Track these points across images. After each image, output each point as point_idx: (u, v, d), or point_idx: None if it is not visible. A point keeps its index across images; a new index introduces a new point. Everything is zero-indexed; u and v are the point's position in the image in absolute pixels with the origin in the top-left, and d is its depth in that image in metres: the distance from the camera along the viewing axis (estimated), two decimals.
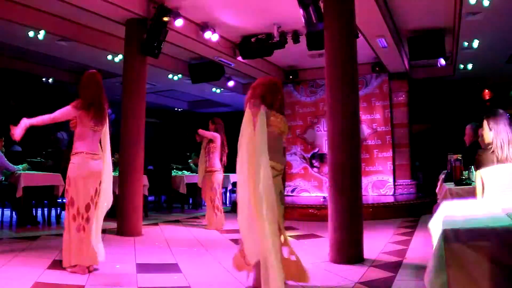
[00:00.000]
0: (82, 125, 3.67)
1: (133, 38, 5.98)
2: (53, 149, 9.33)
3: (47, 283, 3.17)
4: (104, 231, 3.92)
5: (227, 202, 9.34)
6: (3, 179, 5.74)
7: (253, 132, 2.88)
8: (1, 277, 3.29)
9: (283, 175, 3.17)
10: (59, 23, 6.55)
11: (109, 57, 8.23)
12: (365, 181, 9.13)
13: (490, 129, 3.03)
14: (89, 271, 3.52)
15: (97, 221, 3.73)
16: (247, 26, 7.29)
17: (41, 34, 6.64)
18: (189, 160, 10.10)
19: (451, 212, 1.72)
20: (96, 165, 3.69)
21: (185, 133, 10.55)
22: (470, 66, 9.20)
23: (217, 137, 6.31)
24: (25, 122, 3.47)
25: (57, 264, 3.76)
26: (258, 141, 2.84)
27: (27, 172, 5.84)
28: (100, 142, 3.82)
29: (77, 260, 3.50)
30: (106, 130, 3.85)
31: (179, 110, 14.88)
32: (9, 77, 10.10)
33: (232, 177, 9.13)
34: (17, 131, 3.43)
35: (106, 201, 3.81)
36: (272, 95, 3.17)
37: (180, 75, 9.73)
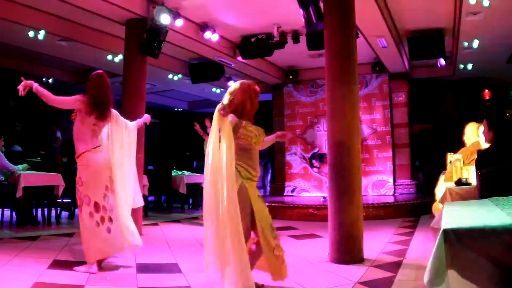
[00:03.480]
0: (82, 122, 3.69)
1: (133, 38, 5.98)
2: (49, 150, 9.33)
3: (47, 283, 3.17)
4: None
5: None
6: (3, 179, 5.74)
7: (217, 138, 2.85)
8: (1, 277, 3.29)
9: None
10: (59, 23, 6.54)
11: (109, 57, 8.23)
12: (365, 181, 9.13)
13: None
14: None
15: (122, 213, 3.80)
16: (247, 26, 7.28)
17: (41, 34, 6.63)
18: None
19: (451, 212, 1.72)
20: (101, 157, 3.74)
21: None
22: (470, 66, 9.20)
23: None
24: (35, 84, 3.47)
25: (57, 264, 3.77)
26: (224, 150, 2.80)
27: (27, 172, 5.83)
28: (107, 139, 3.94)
29: (103, 252, 3.60)
30: (120, 132, 3.99)
31: (179, 110, 14.88)
32: (9, 77, 10.10)
33: None
34: (24, 84, 3.42)
35: (125, 199, 3.91)
36: (252, 103, 3.07)
37: (180, 75, 9.73)
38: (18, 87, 3.42)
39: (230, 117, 2.89)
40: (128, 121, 4.14)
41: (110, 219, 3.67)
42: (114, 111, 3.98)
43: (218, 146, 2.84)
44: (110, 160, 3.82)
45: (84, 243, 3.63)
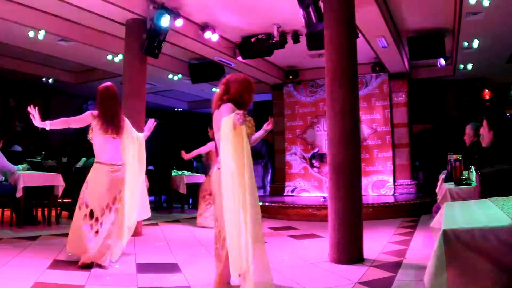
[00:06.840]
0: (101, 133, 3.80)
1: (133, 38, 5.98)
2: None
3: (47, 283, 3.17)
4: None
5: None
6: (3, 179, 5.74)
7: (236, 138, 2.67)
8: (1, 277, 3.29)
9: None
10: (59, 23, 6.54)
11: (109, 57, 8.23)
12: (365, 181, 9.12)
13: (490, 129, 3.03)
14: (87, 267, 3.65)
15: (120, 226, 3.94)
16: (247, 26, 7.28)
17: (41, 34, 6.63)
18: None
19: (451, 212, 1.72)
20: (116, 176, 3.86)
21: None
22: (470, 66, 9.20)
23: (211, 146, 6.11)
24: (48, 125, 3.63)
25: (57, 264, 3.77)
26: (245, 154, 2.66)
27: (27, 172, 5.83)
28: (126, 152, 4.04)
29: (79, 252, 3.74)
30: (133, 141, 4.07)
31: (179, 110, 14.89)
32: (9, 77, 10.10)
33: None
34: (36, 116, 3.58)
35: (135, 212, 4.08)
36: (249, 94, 3.06)
37: (180, 75, 9.73)
38: (31, 111, 3.57)
39: (237, 113, 2.65)
40: (139, 134, 4.18)
41: (97, 231, 3.76)
42: (126, 121, 4.05)
43: (237, 155, 2.66)
44: (123, 181, 3.92)
45: (70, 235, 3.83)
